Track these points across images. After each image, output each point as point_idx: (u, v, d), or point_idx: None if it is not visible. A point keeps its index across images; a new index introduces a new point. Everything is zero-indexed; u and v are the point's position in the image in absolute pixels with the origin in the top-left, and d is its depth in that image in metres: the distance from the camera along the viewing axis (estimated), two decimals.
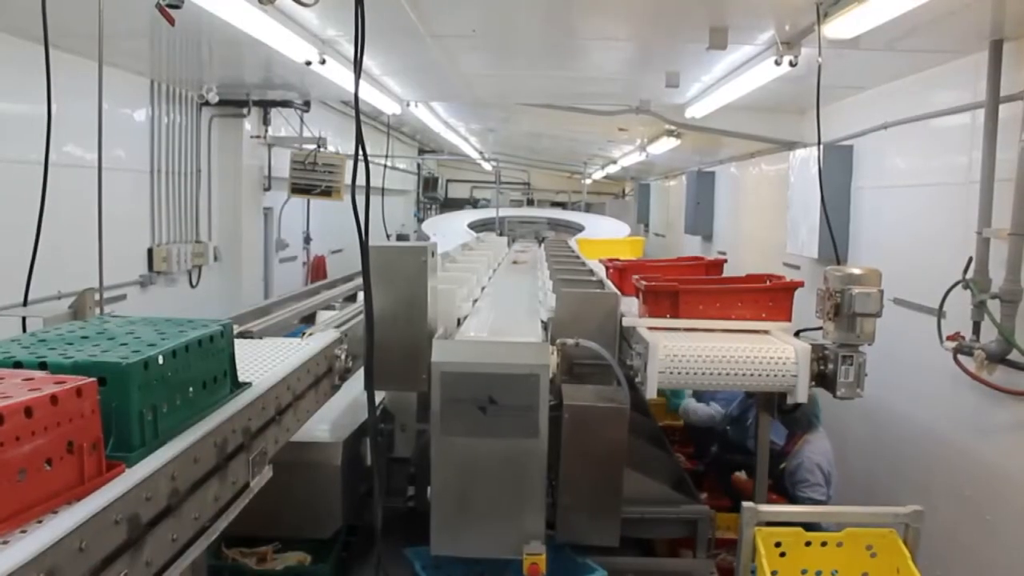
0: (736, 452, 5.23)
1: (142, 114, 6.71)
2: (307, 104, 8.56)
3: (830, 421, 4.82)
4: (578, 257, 6.80)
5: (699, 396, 6.06)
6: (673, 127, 8.34)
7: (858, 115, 6.22)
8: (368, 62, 6.10)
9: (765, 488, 3.77)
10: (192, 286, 7.53)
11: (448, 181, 20.20)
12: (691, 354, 3.23)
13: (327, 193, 8.51)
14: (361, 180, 2.44)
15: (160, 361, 1.70)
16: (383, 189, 10.86)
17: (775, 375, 3.22)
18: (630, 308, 3.88)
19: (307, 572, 3.36)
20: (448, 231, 9.85)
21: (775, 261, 7.49)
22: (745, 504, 3.08)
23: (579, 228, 11.20)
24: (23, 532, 1.28)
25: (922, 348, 4.75)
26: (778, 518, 3.10)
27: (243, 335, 3.20)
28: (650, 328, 3.49)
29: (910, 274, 5.13)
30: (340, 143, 9.98)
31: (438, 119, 10.19)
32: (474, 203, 19.06)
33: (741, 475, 4.90)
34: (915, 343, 4.87)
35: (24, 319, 2.61)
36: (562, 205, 18.31)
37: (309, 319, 4.47)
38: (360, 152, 2.46)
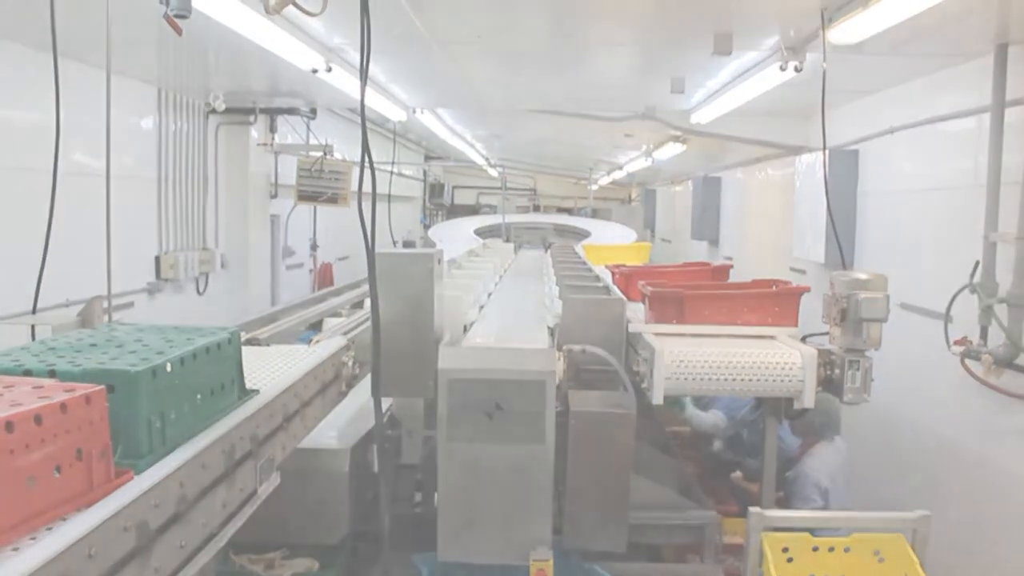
0: (748, 454, 5.20)
1: (149, 122, 6.75)
2: (313, 111, 8.58)
3: None
4: (584, 263, 6.80)
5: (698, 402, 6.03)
6: (679, 133, 8.34)
7: (864, 119, 6.21)
8: (374, 69, 6.12)
9: (772, 493, 3.76)
10: (199, 293, 7.55)
11: (455, 187, 20.22)
12: (697, 360, 3.23)
13: (334, 200, 8.53)
14: (367, 187, 2.45)
15: (168, 368, 1.71)
16: (389, 196, 10.88)
17: (781, 380, 3.21)
18: (636, 314, 3.88)
19: None
20: (454, 237, 9.85)
21: (781, 266, 7.48)
22: (752, 509, 3.07)
23: (585, 234, 11.17)
24: (33, 539, 1.29)
25: (929, 353, 4.74)
26: (785, 523, 3.09)
27: (250, 342, 3.21)
28: (656, 334, 3.48)
29: (917, 279, 5.12)
30: (346, 150, 9.99)
31: (444, 126, 10.20)
32: (479, 208, 19.07)
33: (738, 475, 4.89)
34: (922, 348, 4.86)
35: (33, 327, 2.64)
36: (568, 211, 18.28)
37: (316, 326, 4.47)
38: (366, 159, 2.47)
